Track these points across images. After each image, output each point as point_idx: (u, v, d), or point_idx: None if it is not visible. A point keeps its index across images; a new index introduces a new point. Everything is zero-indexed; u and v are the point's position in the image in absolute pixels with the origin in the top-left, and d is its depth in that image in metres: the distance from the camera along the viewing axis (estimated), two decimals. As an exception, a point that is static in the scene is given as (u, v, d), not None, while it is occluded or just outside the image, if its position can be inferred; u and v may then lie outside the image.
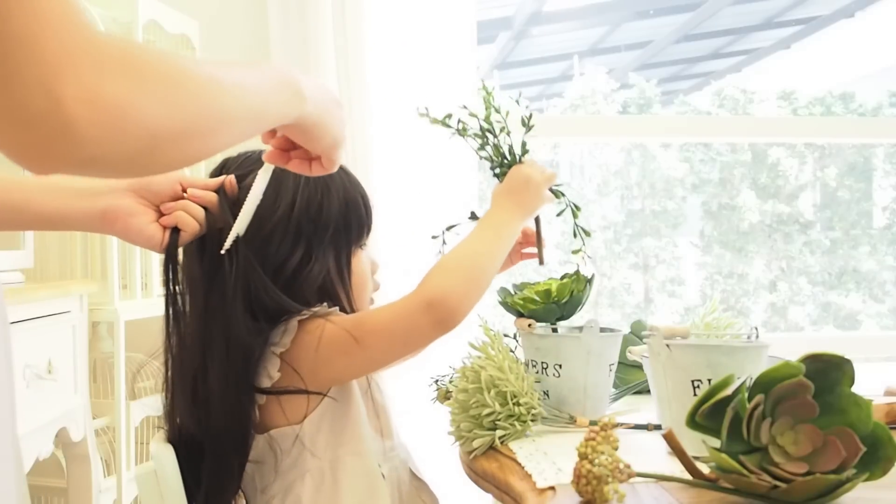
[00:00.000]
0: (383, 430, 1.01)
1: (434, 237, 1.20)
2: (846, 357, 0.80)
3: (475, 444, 1.04)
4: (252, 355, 0.91)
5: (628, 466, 0.80)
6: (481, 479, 1.01)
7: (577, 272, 1.23)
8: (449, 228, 1.21)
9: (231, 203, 0.93)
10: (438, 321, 0.92)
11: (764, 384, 0.80)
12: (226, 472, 0.93)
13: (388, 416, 1.03)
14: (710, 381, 0.94)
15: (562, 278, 1.24)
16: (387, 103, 1.96)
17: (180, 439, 0.95)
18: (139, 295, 1.74)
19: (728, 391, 0.80)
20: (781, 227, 4.39)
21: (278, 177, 0.94)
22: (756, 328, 1.02)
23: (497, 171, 1.16)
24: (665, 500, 0.82)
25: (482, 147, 1.16)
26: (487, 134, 1.16)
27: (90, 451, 1.62)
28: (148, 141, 0.52)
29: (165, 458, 0.93)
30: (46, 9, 0.46)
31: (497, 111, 1.17)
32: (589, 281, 1.23)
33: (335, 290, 0.99)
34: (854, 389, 0.80)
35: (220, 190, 0.94)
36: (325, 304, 0.95)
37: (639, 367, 1.33)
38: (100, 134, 0.48)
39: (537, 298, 1.20)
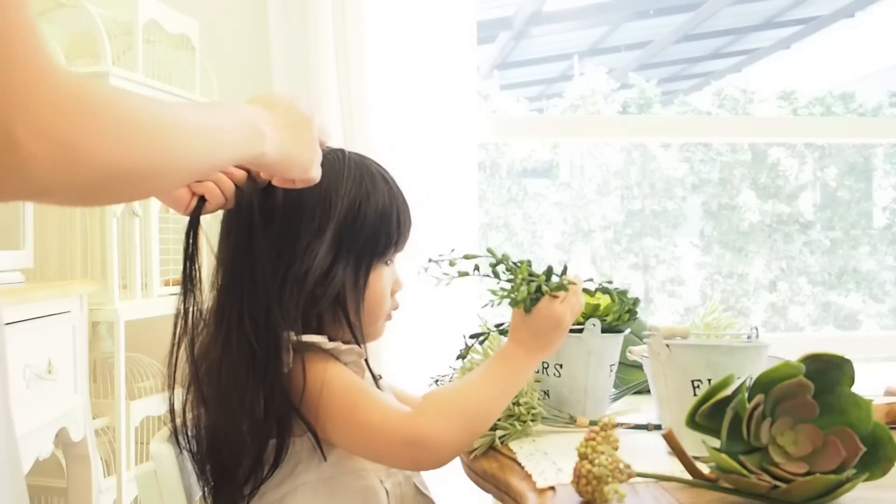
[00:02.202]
0: None
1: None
2: (846, 357, 0.80)
3: (475, 444, 1.04)
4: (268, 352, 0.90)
5: (628, 466, 0.80)
6: (481, 479, 1.01)
7: (618, 290, 1.22)
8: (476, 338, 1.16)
9: (256, 182, 0.92)
10: (417, 462, 0.89)
11: (764, 384, 0.80)
12: (232, 469, 0.93)
13: None
14: (710, 381, 0.94)
15: (602, 291, 1.24)
16: (387, 103, 1.96)
17: (194, 433, 0.95)
18: (139, 295, 1.74)
19: (728, 391, 0.80)
20: (781, 227, 4.38)
21: (330, 170, 0.94)
22: (756, 328, 1.02)
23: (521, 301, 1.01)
24: (665, 500, 0.82)
25: (515, 289, 1.02)
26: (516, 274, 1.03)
27: (90, 451, 1.62)
28: (100, 178, 0.55)
29: (165, 458, 0.93)
30: (12, 51, 0.49)
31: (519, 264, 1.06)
32: (634, 304, 1.22)
33: (347, 303, 0.96)
34: (854, 389, 0.80)
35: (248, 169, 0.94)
36: (324, 336, 0.93)
37: (639, 367, 1.33)
38: (53, 169, 0.51)
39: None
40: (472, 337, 1.16)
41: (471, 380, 0.96)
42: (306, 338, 0.91)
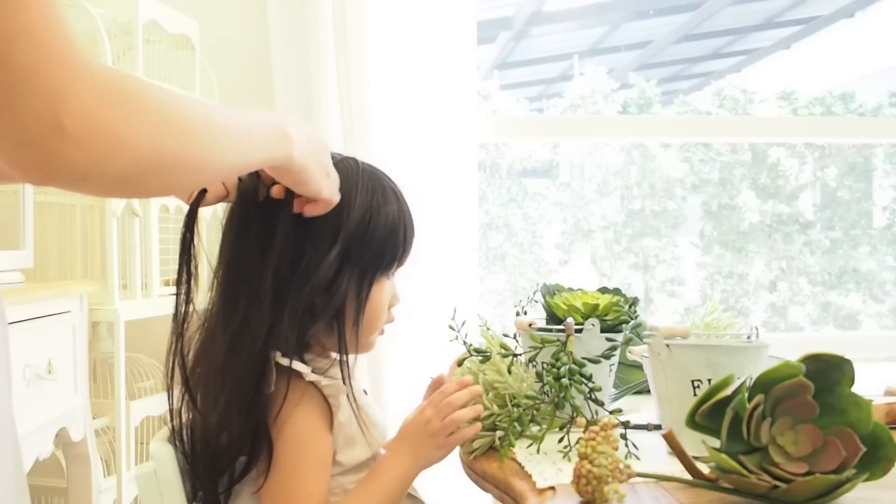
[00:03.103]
0: (371, 445, 1.01)
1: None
2: (846, 357, 0.80)
3: (475, 444, 1.04)
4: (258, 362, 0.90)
5: (628, 466, 0.80)
6: (481, 479, 1.01)
7: (619, 291, 1.22)
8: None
9: (259, 177, 0.92)
10: None
11: (764, 384, 0.80)
12: (213, 472, 0.93)
13: (380, 434, 1.02)
14: (710, 381, 0.94)
15: (601, 292, 1.24)
16: (387, 103, 1.96)
17: (190, 432, 0.95)
18: (139, 295, 1.74)
19: (728, 391, 0.80)
20: (781, 227, 4.38)
21: (344, 180, 0.93)
22: (756, 328, 1.02)
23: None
24: (665, 500, 0.82)
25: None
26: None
27: (90, 451, 1.62)
28: (135, 167, 0.57)
29: (165, 458, 0.93)
30: (49, 43, 0.50)
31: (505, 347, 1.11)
32: (633, 304, 1.22)
33: (346, 314, 0.95)
34: (854, 389, 0.80)
35: None
36: (308, 368, 0.93)
37: (639, 367, 1.33)
38: (94, 156, 0.53)
39: (581, 309, 1.19)
40: (475, 352, 1.15)
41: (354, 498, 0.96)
42: (296, 366, 0.91)
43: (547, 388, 1.06)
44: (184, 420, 0.95)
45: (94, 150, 0.53)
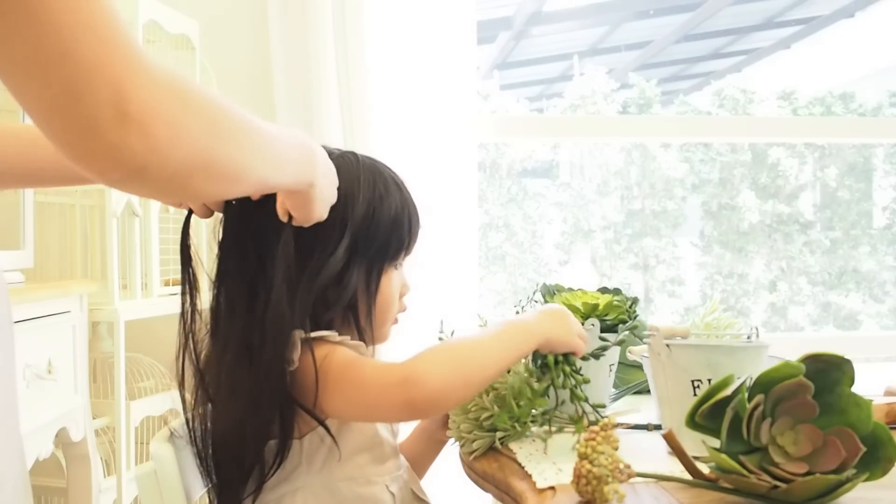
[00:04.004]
0: (395, 449, 1.01)
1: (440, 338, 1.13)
2: (846, 357, 0.80)
3: (475, 445, 1.04)
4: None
5: (628, 466, 0.80)
6: (481, 479, 1.01)
7: (619, 291, 1.22)
8: None
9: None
10: (408, 402, 0.86)
11: (764, 384, 0.80)
12: (235, 470, 0.93)
13: (397, 435, 1.03)
14: (710, 381, 0.94)
15: (601, 292, 1.24)
16: (387, 103, 1.96)
17: (200, 433, 0.94)
18: (139, 295, 1.74)
19: (728, 391, 0.80)
20: (781, 227, 4.38)
21: (346, 174, 0.93)
22: (756, 328, 1.02)
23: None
24: (665, 500, 0.82)
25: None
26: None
27: (90, 451, 1.62)
28: (189, 163, 0.58)
29: (165, 458, 0.93)
30: (111, 36, 0.52)
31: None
32: (633, 304, 1.22)
33: (358, 306, 0.96)
34: (854, 389, 0.80)
35: None
36: (333, 331, 0.93)
37: (639, 367, 1.33)
38: (153, 144, 0.54)
39: (581, 309, 1.19)
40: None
41: (467, 333, 0.97)
42: (315, 334, 0.91)
43: (547, 388, 1.06)
44: (199, 423, 0.95)
45: (156, 137, 0.53)
